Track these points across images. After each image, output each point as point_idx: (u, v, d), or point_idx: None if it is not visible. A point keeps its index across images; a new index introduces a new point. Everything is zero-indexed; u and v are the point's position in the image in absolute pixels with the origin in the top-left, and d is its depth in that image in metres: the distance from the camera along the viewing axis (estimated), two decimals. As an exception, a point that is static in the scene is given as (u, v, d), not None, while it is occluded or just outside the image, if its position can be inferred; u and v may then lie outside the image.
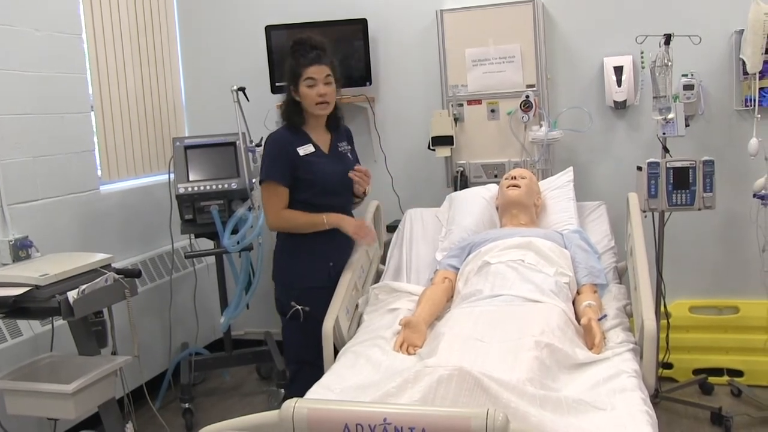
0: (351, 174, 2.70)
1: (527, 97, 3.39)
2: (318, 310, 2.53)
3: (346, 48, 3.66)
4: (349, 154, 2.80)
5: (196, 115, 4.17)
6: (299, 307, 2.64)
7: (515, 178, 2.92)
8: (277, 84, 3.75)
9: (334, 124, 2.77)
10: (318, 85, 2.59)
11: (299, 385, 2.45)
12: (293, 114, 2.66)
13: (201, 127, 4.06)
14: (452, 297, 2.59)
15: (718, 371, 3.45)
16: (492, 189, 3.12)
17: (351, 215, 2.80)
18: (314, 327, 2.47)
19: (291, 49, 2.64)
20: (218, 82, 3.94)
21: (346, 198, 2.78)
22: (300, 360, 2.71)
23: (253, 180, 3.41)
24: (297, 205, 2.66)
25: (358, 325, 2.63)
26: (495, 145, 3.57)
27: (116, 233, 3.49)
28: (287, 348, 2.81)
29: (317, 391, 2.02)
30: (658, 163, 2.98)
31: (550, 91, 3.54)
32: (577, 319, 2.31)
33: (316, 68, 2.59)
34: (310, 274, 2.68)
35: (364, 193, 2.82)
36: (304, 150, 2.64)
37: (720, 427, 3.05)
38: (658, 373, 3.29)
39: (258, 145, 3.52)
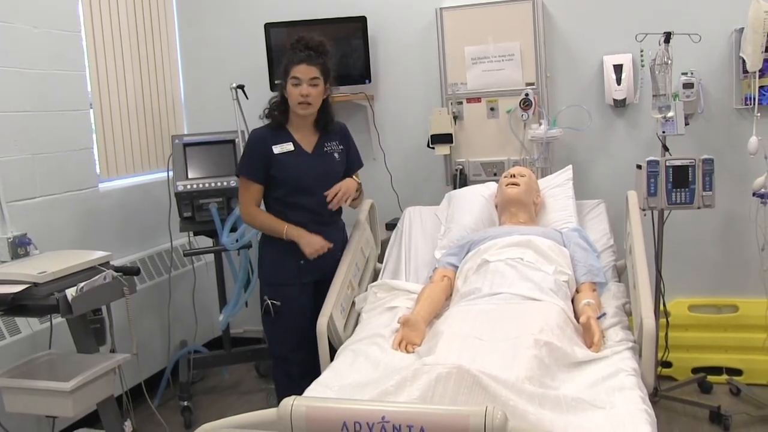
0: (328, 200, 2.67)
1: (527, 95, 3.39)
2: (288, 306, 2.63)
3: (346, 46, 3.66)
4: (336, 155, 2.75)
5: (195, 112, 4.17)
6: (270, 302, 2.68)
7: (514, 176, 2.92)
8: (276, 82, 3.74)
9: (323, 123, 2.75)
10: (302, 85, 2.59)
11: (276, 380, 2.61)
12: (278, 111, 2.69)
13: (200, 124, 4.06)
14: (451, 295, 2.58)
15: (717, 370, 3.45)
16: (491, 187, 3.12)
17: (326, 214, 2.73)
18: (286, 322, 2.53)
19: (289, 47, 2.65)
20: (217, 80, 3.93)
21: (320, 198, 2.70)
22: (276, 355, 2.79)
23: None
24: (271, 201, 2.71)
25: (357, 323, 2.63)
26: (494, 143, 3.56)
27: (115, 231, 3.49)
28: (267, 343, 2.90)
29: (316, 389, 2.02)
30: (657, 162, 2.98)
31: (550, 89, 3.54)
32: (576, 317, 2.31)
33: (304, 68, 2.58)
34: (281, 270, 2.72)
35: (354, 203, 2.83)
36: (281, 148, 2.65)
37: (719, 425, 3.04)
38: (657, 372, 3.29)
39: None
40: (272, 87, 3.75)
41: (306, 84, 2.58)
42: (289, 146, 2.66)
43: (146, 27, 3.85)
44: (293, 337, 2.69)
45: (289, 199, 2.67)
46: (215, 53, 4.09)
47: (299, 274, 2.69)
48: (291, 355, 2.69)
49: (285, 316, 2.67)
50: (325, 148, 2.74)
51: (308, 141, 2.72)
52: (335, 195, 2.68)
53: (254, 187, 2.66)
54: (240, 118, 3.35)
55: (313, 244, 2.65)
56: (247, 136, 3.37)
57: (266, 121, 2.74)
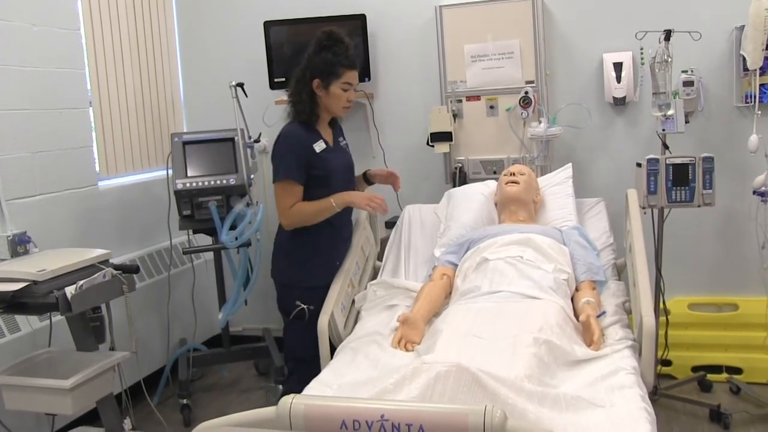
0: (393, 184, 2.79)
1: (526, 93, 3.38)
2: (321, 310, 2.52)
3: (345, 44, 3.65)
4: (348, 148, 2.81)
5: (195, 110, 4.17)
6: (304, 307, 2.61)
7: (514, 174, 2.92)
8: (275, 80, 3.75)
9: (334, 120, 2.77)
10: (350, 91, 2.59)
11: (297, 382, 2.45)
12: (310, 110, 2.61)
13: (199, 122, 4.06)
14: (450, 293, 2.58)
15: (717, 368, 3.45)
16: (491, 185, 3.11)
17: (345, 210, 2.74)
18: (317, 325, 2.45)
19: (324, 44, 2.57)
20: (217, 78, 3.93)
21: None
22: (299, 358, 2.71)
23: (251, 176, 3.40)
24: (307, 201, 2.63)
25: (356, 321, 2.63)
26: (494, 141, 3.56)
27: (114, 229, 3.49)
28: (288, 345, 2.79)
29: (315, 387, 2.02)
30: (657, 160, 2.97)
31: (550, 87, 3.53)
32: (576, 315, 2.31)
33: (355, 74, 2.58)
34: (316, 274, 2.65)
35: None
36: (319, 146, 2.61)
37: (719, 424, 3.04)
38: (657, 370, 3.29)
39: (256, 141, 3.52)
40: (272, 85, 3.75)
41: (353, 89, 2.60)
42: (322, 143, 2.63)
43: (146, 25, 3.84)
44: None
45: (324, 196, 2.62)
46: (215, 51, 4.08)
47: (336, 276, 2.67)
48: (318, 358, 2.52)
49: (317, 320, 2.50)
50: (340, 143, 2.77)
51: (329, 137, 2.71)
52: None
53: (298, 189, 2.59)
54: (239, 116, 3.35)
55: (363, 195, 2.64)
56: (245, 133, 3.40)
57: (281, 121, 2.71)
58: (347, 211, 2.77)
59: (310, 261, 2.67)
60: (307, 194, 2.62)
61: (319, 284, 2.63)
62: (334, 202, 2.59)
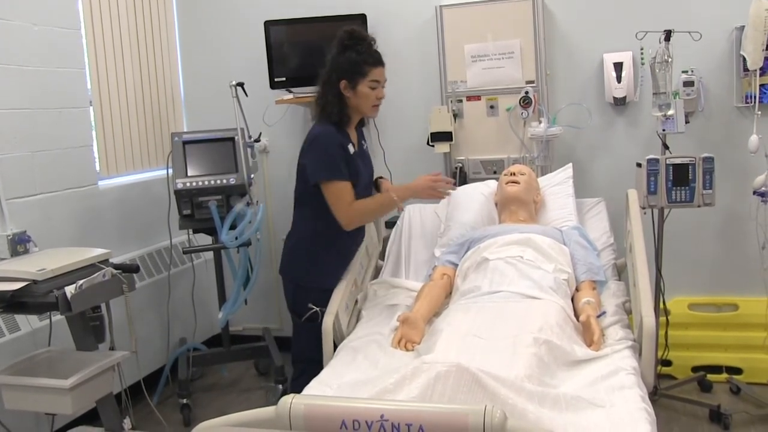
0: (446, 189, 2.66)
1: (526, 93, 3.38)
2: None
3: (346, 43, 3.65)
4: (368, 151, 2.76)
5: (195, 110, 4.16)
6: (317, 309, 2.56)
7: (514, 174, 2.92)
8: (276, 79, 3.74)
9: (362, 122, 2.72)
10: (379, 88, 2.55)
11: (304, 383, 2.44)
12: (340, 113, 2.54)
13: (199, 122, 4.06)
14: (451, 293, 2.58)
15: (717, 368, 3.45)
16: (491, 185, 3.11)
17: None
18: None
19: (346, 43, 2.51)
20: (217, 77, 3.93)
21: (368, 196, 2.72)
22: (308, 359, 2.67)
23: (252, 175, 3.40)
24: (326, 206, 2.53)
25: (357, 321, 2.62)
26: (494, 141, 3.56)
27: (114, 228, 3.49)
28: (297, 346, 2.73)
29: (315, 387, 2.02)
30: (657, 160, 2.97)
31: (550, 87, 3.53)
32: (576, 316, 2.31)
33: (381, 70, 2.54)
34: (333, 277, 2.62)
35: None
36: (351, 148, 2.57)
37: (719, 424, 3.04)
38: (657, 371, 3.29)
39: (257, 140, 3.52)
40: (272, 85, 3.75)
41: (381, 87, 2.55)
42: (351, 147, 2.58)
43: (146, 24, 3.84)
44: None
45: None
46: (215, 51, 4.08)
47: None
48: None
49: None
50: (363, 146, 2.72)
51: (355, 140, 2.65)
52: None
53: (348, 185, 2.50)
54: (239, 115, 3.35)
55: (424, 184, 2.58)
56: (245, 133, 3.40)
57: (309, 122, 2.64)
58: None
59: (329, 264, 2.63)
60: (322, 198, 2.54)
61: (332, 287, 2.59)
62: (396, 195, 2.54)
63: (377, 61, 2.54)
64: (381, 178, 2.82)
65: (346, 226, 2.55)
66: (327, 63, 2.56)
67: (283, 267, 2.73)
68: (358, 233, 2.69)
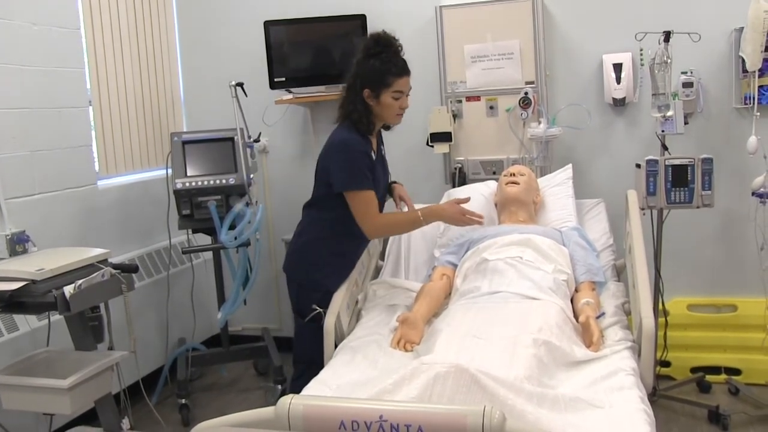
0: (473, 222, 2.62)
1: (526, 93, 3.38)
2: None
3: (345, 44, 3.65)
4: (387, 158, 2.75)
5: (194, 110, 4.16)
6: (321, 310, 2.54)
7: (514, 175, 2.92)
8: (275, 79, 3.74)
9: (386, 127, 2.69)
10: (402, 98, 2.51)
11: (304, 383, 2.44)
12: (366, 120, 2.51)
13: (199, 122, 4.06)
14: (450, 294, 2.58)
15: (715, 369, 3.45)
16: (491, 186, 3.12)
17: None
18: None
19: (372, 51, 2.46)
20: (216, 78, 3.93)
21: (383, 203, 2.71)
22: (310, 360, 2.66)
23: (251, 176, 3.40)
24: (343, 213, 2.52)
25: (357, 321, 2.62)
26: (494, 141, 3.56)
27: (114, 228, 3.48)
28: (298, 347, 2.73)
29: (314, 387, 2.02)
30: (656, 161, 2.98)
31: (549, 87, 3.53)
32: (576, 316, 2.31)
33: (406, 80, 2.49)
34: (336, 279, 2.60)
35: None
36: (372, 156, 2.55)
37: (717, 425, 3.04)
38: (656, 371, 3.29)
39: (256, 141, 3.52)
40: (271, 85, 3.75)
41: (406, 96, 2.52)
42: (372, 154, 2.56)
43: (146, 24, 3.84)
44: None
45: None
46: (214, 51, 4.08)
47: None
48: None
49: None
50: (382, 151, 2.71)
51: (375, 146, 2.63)
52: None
53: (374, 195, 2.49)
54: (239, 115, 3.35)
55: (453, 214, 2.53)
56: (245, 133, 3.40)
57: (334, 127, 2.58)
58: None
59: (336, 266, 2.62)
60: (343, 205, 2.51)
61: (336, 289, 2.59)
62: (422, 216, 2.52)
63: (402, 70, 2.48)
64: (394, 182, 2.81)
65: (370, 236, 2.56)
66: (352, 67, 2.51)
67: (288, 265, 2.71)
68: (362, 239, 2.67)
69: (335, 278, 2.61)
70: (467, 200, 2.62)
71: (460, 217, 2.54)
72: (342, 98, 2.55)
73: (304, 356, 2.68)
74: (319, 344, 2.45)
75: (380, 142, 2.72)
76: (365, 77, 2.47)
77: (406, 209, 2.71)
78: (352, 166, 2.47)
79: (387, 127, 2.71)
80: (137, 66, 3.76)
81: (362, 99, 2.49)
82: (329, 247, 2.61)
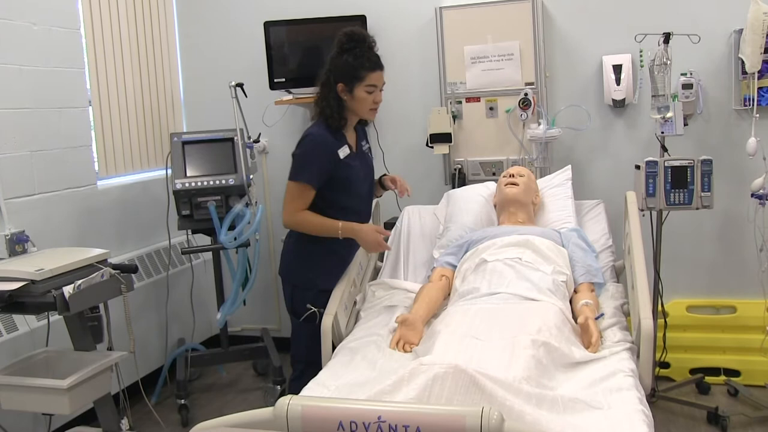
0: (400, 190, 2.72)
1: (526, 94, 3.39)
2: None
3: (345, 44, 3.65)
4: (369, 153, 2.77)
5: (194, 110, 4.17)
6: (315, 309, 2.57)
7: (513, 176, 2.92)
8: (275, 80, 3.75)
9: (362, 123, 2.72)
10: (376, 92, 2.54)
11: (302, 384, 2.44)
12: (338, 115, 2.54)
13: (199, 122, 4.06)
14: (449, 295, 2.58)
15: (715, 371, 3.45)
16: (490, 187, 3.11)
17: (366, 214, 2.74)
18: None
19: (345, 46, 2.50)
20: (216, 78, 3.93)
21: (369, 199, 2.76)
22: (308, 360, 2.65)
23: (251, 176, 3.40)
24: (323, 206, 2.56)
25: (355, 321, 2.62)
26: (493, 142, 3.56)
27: (113, 228, 3.49)
28: (296, 347, 2.74)
29: (312, 388, 2.01)
30: (656, 162, 2.98)
31: (549, 89, 3.54)
32: (574, 317, 2.31)
33: (379, 74, 2.53)
34: (330, 277, 2.61)
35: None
36: (343, 152, 2.56)
37: (716, 426, 3.05)
38: (655, 373, 3.29)
39: (256, 141, 3.52)
40: (271, 85, 3.75)
41: (379, 90, 2.55)
42: (347, 149, 2.58)
43: (146, 24, 3.85)
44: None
45: (345, 202, 2.60)
46: (214, 51, 4.09)
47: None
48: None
49: None
50: (363, 147, 2.72)
51: (353, 141, 2.65)
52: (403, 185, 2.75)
53: (310, 193, 2.52)
54: (239, 116, 3.35)
55: (371, 239, 2.54)
56: (244, 133, 3.41)
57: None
58: (366, 215, 2.73)
59: (326, 264, 2.63)
60: (326, 197, 2.56)
61: (331, 287, 2.59)
62: (341, 229, 2.53)
63: (375, 65, 2.53)
64: (385, 174, 2.84)
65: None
66: (326, 64, 2.57)
67: (281, 267, 2.74)
68: (351, 239, 2.68)
69: (327, 276, 2.61)
70: (388, 234, 2.66)
71: (375, 244, 2.56)
72: (316, 95, 2.59)
73: (302, 356, 2.69)
74: (315, 344, 2.46)
75: (362, 137, 2.73)
76: (339, 72, 2.51)
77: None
78: (302, 159, 2.52)
79: (364, 123, 2.73)
80: (137, 66, 3.77)
81: (336, 94, 2.53)
82: (318, 245, 2.62)
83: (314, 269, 2.63)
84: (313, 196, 2.54)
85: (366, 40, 2.52)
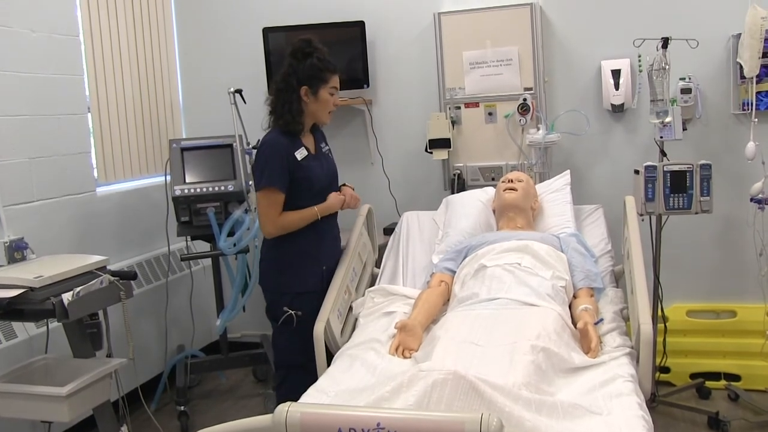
0: (348, 201, 2.75)
1: (525, 100, 3.39)
2: (311, 315, 2.51)
3: (344, 50, 3.66)
4: (330, 154, 2.81)
5: (193, 117, 4.17)
6: (292, 312, 2.61)
7: (512, 181, 2.92)
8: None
9: (316, 126, 2.76)
10: (336, 95, 2.64)
11: (288, 389, 2.45)
12: (296, 119, 2.60)
13: (198, 129, 4.06)
14: (448, 300, 2.58)
15: (715, 375, 3.45)
16: (489, 192, 3.11)
17: (337, 214, 2.79)
18: (306, 331, 2.45)
19: (306, 50, 2.58)
20: (215, 84, 3.93)
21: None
22: (290, 364, 2.69)
23: (250, 182, 3.40)
24: (290, 209, 2.61)
25: (354, 328, 2.62)
26: (492, 148, 3.56)
27: (112, 235, 3.48)
28: (278, 353, 2.77)
29: (312, 395, 2.01)
30: (655, 167, 2.98)
31: (548, 94, 3.54)
32: (574, 323, 2.31)
33: (338, 78, 2.63)
34: (303, 279, 2.65)
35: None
36: (300, 154, 2.61)
37: (717, 431, 3.04)
38: (655, 377, 3.29)
39: (255, 147, 3.51)
40: (270, 91, 3.75)
41: (337, 93, 2.64)
42: (304, 151, 2.62)
43: (145, 31, 3.85)
44: (312, 346, 2.55)
45: (305, 204, 2.62)
46: (213, 58, 4.09)
47: (322, 281, 2.66)
48: (310, 364, 2.49)
49: (307, 325, 2.49)
50: (323, 149, 2.76)
51: (310, 145, 2.70)
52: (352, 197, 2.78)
53: (280, 197, 2.57)
54: (238, 122, 3.35)
55: (339, 199, 2.69)
56: (243, 140, 3.42)
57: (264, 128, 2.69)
58: (334, 215, 2.77)
59: (297, 267, 2.66)
60: (291, 202, 2.60)
61: (306, 289, 2.63)
62: (318, 211, 2.62)
63: (335, 68, 2.63)
64: (345, 185, 2.86)
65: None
66: (282, 70, 2.63)
67: (260, 274, 2.78)
68: (323, 236, 2.71)
69: (300, 279, 2.65)
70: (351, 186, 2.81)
71: (339, 201, 2.70)
72: (272, 102, 2.64)
73: (284, 361, 2.73)
74: (295, 347, 2.50)
75: (321, 140, 2.77)
76: (303, 75, 2.57)
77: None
78: (262, 166, 2.57)
79: (316, 128, 2.77)
80: (136, 73, 3.77)
81: (297, 98, 2.58)
82: (289, 248, 2.65)
83: (284, 273, 2.66)
84: (283, 200, 2.58)
85: (322, 48, 2.61)
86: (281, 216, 2.59)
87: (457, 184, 3.54)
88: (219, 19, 4.07)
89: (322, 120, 2.69)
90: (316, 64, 2.57)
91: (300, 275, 2.65)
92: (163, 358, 3.72)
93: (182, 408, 3.39)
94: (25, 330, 2.85)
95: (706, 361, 3.47)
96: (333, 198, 2.69)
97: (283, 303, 2.63)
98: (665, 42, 3.00)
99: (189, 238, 3.61)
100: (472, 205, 3.06)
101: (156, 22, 3.95)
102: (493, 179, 3.50)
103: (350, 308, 2.74)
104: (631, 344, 2.19)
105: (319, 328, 2.41)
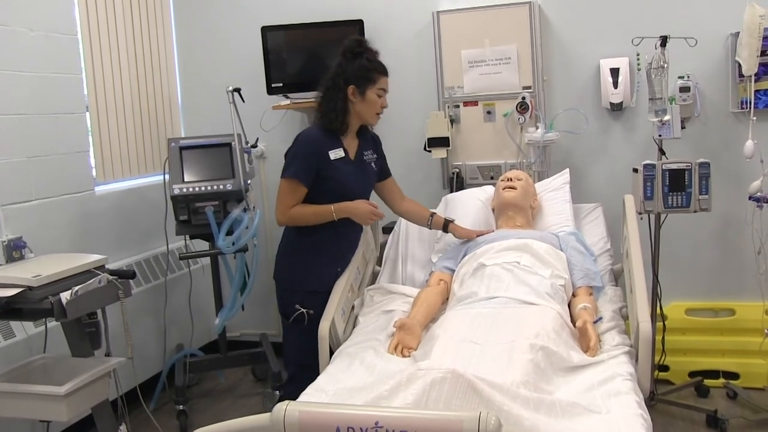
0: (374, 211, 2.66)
1: (523, 98, 3.39)
2: (321, 315, 2.49)
3: (343, 49, 3.65)
4: (373, 164, 2.76)
5: (192, 115, 4.17)
6: (304, 310, 2.59)
7: (511, 179, 2.92)
8: (273, 85, 3.75)
9: (364, 130, 2.74)
10: (384, 96, 2.62)
11: (296, 387, 2.43)
12: (339, 118, 2.58)
13: (196, 128, 4.06)
14: (447, 299, 2.58)
15: (714, 374, 3.45)
16: (488, 191, 3.12)
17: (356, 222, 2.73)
18: (317, 330, 2.45)
19: (356, 50, 2.58)
20: (214, 83, 3.93)
21: None
22: (299, 363, 2.67)
23: (248, 181, 3.40)
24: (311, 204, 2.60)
25: (354, 326, 2.62)
26: (491, 146, 3.56)
27: (111, 234, 3.48)
28: (287, 350, 2.76)
29: (311, 393, 2.01)
30: (653, 165, 2.98)
31: (547, 92, 3.54)
32: (573, 321, 2.31)
33: (387, 80, 2.63)
34: (318, 279, 2.63)
35: None
36: (335, 154, 2.59)
37: (716, 429, 3.04)
38: (654, 376, 3.29)
39: (254, 146, 3.52)
40: (269, 90, 3.75)
41: (386, 95, 2.63)
42: (340, 152, 2.61)
43: (143, 30, 3.85)
44: None
45: (328, 203, 2.60)
46: (212, 56, 4.09)
47: (335, 282, 2.64)
48: (318, 363, 2.44)
49: (317, 324, 2.45)
50: (364, 156, 2.73)
51: (351, 148, 2.68)
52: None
53: (302, 190, 2.56)
54: (236, 121, 3.35)
55: (364, 209, 2.60)
56: (242, 139, 3.41)
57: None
58: (359, 224, 2.74)
59: (314, 265, 2.64)
60: (314, 198, 2.58)
61: (320, 289, 2.61)
62: (334, 210, 2.57)
63: (385, 69, 2.62)
64: (452, 221, 2.84)
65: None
66: (332, 69, 2.60)
67: (275, 270, 2.76)
68: (343, 238, 2.69)
69: (315, 277, 2.63)
70: (381, 215, 2.69)
71: (368, 214, 2.61)
72: (320, 99, 2.63)
73: (293, 359, 2.72)
74: (304, 346, 2.49)
75: (366, 147, 2.74)
76: (352, 74, 2.56)
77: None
78: (294, 156, 2.57)
79: (365, 131, 2.75)
80: (134, 71, 3.77)
81: (344, 97, 2.57)
82: (305, 245, 2.64)
83: (300, 270, 2.65)
84: (305, 195, 2.56)
85: (373, 48, 2.61)
86: (295, 207, 2.57)
87: (456, 182, 3.54)
88: (217, 17, 4.06)
89: (369, 121, 2.67)
90: (365, 65, 2.56)
91: (314, 274, 2.63)
92: (161, 357, 3.72)
93: (181, 407, 3.38)
94: (23, 329, 2.85)
95: (704, 359, 3.47)
96: (359, 203, 2.61)
97: (295, 300, 2.62)
98: (664, 40, 3.00)
99: (188, 237, 3.60)
100: (471, 203, 3.06)
101: (154, 20, 3.95)
102: (492, 178, 3.50)
103: (352, 307, 2.73)
104: (629, 343, 2.19)
105: (324, 327, 2.40)
